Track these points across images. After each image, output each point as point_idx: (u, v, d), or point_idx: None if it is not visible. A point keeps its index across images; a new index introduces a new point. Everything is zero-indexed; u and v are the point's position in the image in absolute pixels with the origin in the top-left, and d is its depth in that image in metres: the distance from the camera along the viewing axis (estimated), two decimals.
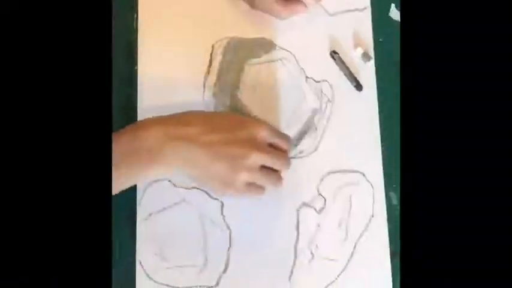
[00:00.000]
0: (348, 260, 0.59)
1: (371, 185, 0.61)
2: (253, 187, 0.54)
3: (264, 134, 0.54)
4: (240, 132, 0.52)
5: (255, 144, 0.53)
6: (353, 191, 0.61)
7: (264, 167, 0.54)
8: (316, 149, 0.61)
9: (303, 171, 0.60)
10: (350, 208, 0.61)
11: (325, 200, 0.60)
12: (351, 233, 0.60)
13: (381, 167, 0.62)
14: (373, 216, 0.61)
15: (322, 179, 0.61)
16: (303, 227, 0.59)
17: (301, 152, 0.61)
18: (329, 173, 0.61)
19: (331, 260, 0.59)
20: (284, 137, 0.57)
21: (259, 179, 0.54)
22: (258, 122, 0.57)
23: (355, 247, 0.60)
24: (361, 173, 0.61)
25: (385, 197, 0.61)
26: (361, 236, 0.60)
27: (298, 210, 0.60)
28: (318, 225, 0.60)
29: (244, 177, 0.52)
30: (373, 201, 0.61)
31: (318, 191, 0.60)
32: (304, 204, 0.60)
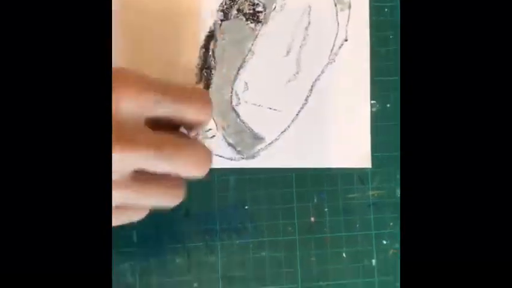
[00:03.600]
0: (300, 109, 0.36)
1: None
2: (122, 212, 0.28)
3: (136, 104, 0.26)
4: None
5: (116, 131, 0.25)
6: None
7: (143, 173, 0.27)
8: None
9: None
10: (308, 25, 0.36)
11: (264, 7, 0.35)
12: (305, 65, 0.36)
13: None
14: (346, 40, 0.36)
15: None
16: (220, 55, 0.35)
17: None
18: None
19: (269, 108, 0.36)
20: (192, 97, 0.28)
21: (131, 196, 0.27)
22: (122, 84, 0.26)
23: (311, 89, 0.36)
24: None
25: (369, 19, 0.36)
26: (322, 71, 0.36)
27: (215, 25, 0.35)
28: (251, 51, 0.35)
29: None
30: (349, 15, 0.36)
31: None
32: (225, 15, 0.35)
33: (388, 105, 0.36)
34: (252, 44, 0.35)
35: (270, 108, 0.35)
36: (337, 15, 0.36)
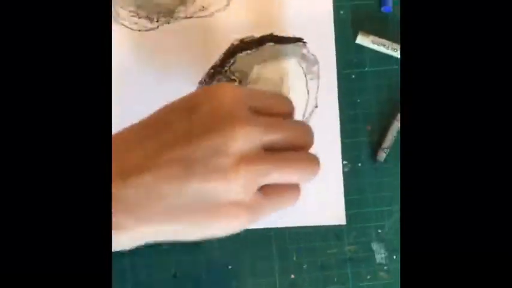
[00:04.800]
0: None
1: (315, 58, 0.39)
2: (272, 192, 0.29)
3: (239, 97, 0.28)
4: (199, 114, 0.28)
5: (233, 116, 0.27)
6: (286, 68, 0.39)
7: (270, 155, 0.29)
8: (227, 4, 0.39)
9: (205, 39, 0.39)
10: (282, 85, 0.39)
11: (240, 81, 0.39)
12: None
13: (332, 31, 0.39)
14: (316, 106, 0.39)
15: (235, 51, 0.39)
16: None
17: (202, 8, 0.39)
18: (248, 41, 0.39)
19: None
20: (276, 96, 0.33)
21: (276, 167, 0.28)
22: (223, 85, 0.30)
23: None
24: (298, 40, 0.39)
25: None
26: None
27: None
28: None
29: (243, 178, 0.27)
30: (318, 84, 0.39)
31: (228, 68, 0.39)
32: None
33: (359, 165, 0.39)
34: None
35: None
36: (307, 84, 0.39)
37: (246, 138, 0.27)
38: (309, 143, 0.31)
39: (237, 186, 0.27)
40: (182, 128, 0.27)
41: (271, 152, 0.28)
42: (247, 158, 0.27)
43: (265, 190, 0.28)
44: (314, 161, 0.30)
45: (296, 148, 0.29)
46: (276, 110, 0.30)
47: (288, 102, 0.31)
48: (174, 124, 0.28)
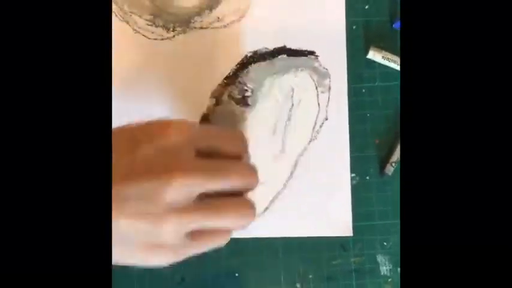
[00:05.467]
0: (286, 182, 0.39)
1: (327, 71, 0.40)
2: (200, 236, 0.29)
3: (186, 139, 0.29)
4: (141, 152, 0.28)
5: (174, 161, 0.28)
6: (298, 80, 0.40)
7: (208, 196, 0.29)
8: (242, 16, 0.40)
9: (220, 50, 0.39)
10: (291, 107, 0.40)
11: (252, 92, 0.40)
12: (290, 143, 0.40)
13: (344, 45, 0.40)
14: (327, 119, 0.40)
15: (249, 63, 0.40)
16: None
17: (218, 19, 0.40)
18: (261, 53, 0.40)
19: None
20: (228, 135, 0.32)
21: (206, 217, 0.28)
22: (171, 123, 0.29)
23: (295, 165, 0.40)
24: (311, 53, 0.39)
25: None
26: (305, 148, 0.40)
27: (209, 110, 0.39)
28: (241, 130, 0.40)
29: (171, 226, 0.27)
30: (329, 97, 0.40)
31: (241, 79, 0.40)
32: (218, 101, 0.39)
33: (367, 178, 0.39)
34: (242, 126, 0.39)
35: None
36: (318, 97, 0.40)
37: (181, 188, 0.27)
38: (253, 186, 0.30)
39: (164, 232, 0.27)
40: (124, 163, 0.27)
41: (207, 199, 0.28)
42: (177, 209, 0.27)
43: (194, 233, 0.28)
44: (249, 208, 0.30)
45: (237, 192, 0.29)
46: (225, 151, 0.30)
47: (239, 143, 0.31)
48: (116, 155, 0.27)
